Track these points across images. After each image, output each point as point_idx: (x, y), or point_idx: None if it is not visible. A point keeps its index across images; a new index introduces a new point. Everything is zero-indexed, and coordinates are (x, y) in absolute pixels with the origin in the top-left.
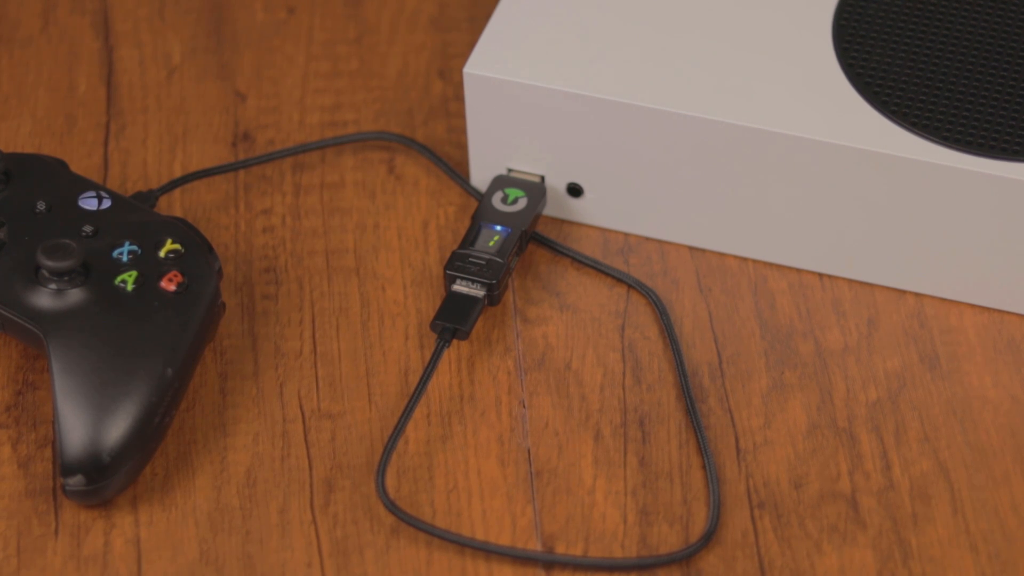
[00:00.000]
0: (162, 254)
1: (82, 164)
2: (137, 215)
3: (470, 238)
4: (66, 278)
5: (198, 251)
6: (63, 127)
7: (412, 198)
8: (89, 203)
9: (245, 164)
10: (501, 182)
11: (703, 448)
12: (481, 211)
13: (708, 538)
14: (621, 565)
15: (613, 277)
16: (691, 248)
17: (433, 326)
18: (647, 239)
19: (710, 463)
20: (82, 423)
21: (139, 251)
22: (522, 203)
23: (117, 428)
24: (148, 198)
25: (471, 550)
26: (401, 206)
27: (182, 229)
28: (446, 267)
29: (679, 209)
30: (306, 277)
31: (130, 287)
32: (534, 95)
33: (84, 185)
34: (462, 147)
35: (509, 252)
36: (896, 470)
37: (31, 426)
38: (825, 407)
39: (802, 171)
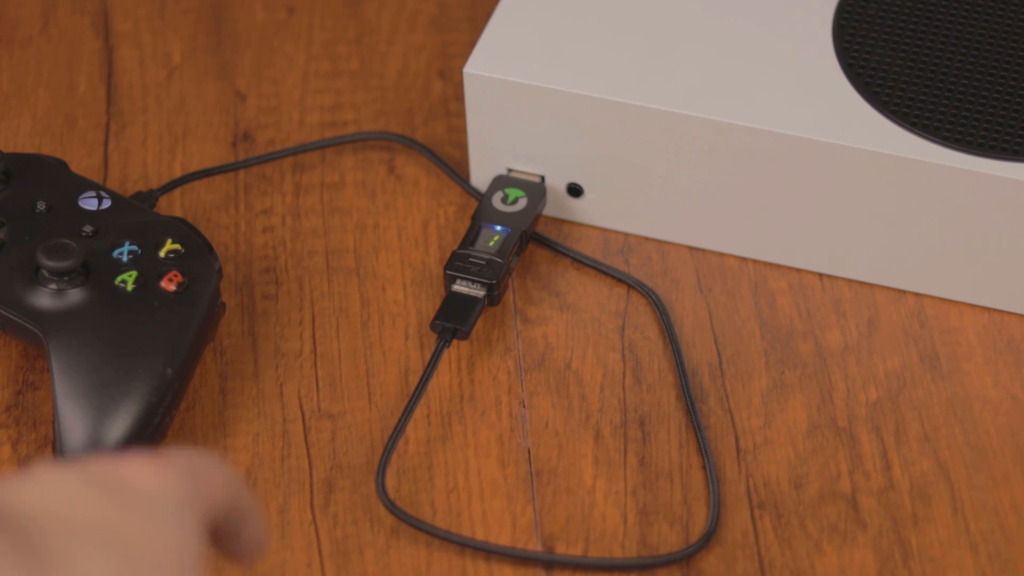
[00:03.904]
0: (162, 254)
1: (82, 164)
2: (137, 215)
3: (470, 238)
4: (66, 278)
5: (198, 251)
6: (63, 127)
7: (412, 198)
8: (89, 203)
9: (245, 164)
10: (501, 182)
11: (703, 448)
12: (481, 211)
13: (708, 538)
14: (621, 565)
15: (613, 277)
16: (691, 248)
17: (433, 326)
18: (647, 239)
19: (710, 463)
20: (82, 423)
21: (139, 251)
22: (522, 203)
23: (117, 428)
24: (148, 198)
25: (471, 550)
26: (401, 206)
27: (182, 229)
28: (446, 267)
29: (679, 209)
30: (306, 277)
31: (130, 287)
32: (534, 95)
33: (84, 185)
34: (462, 147)
35: (509, 252)
36: (896, 470)
37: (31, 426)
38: (825, 407)
39: (802, 171)
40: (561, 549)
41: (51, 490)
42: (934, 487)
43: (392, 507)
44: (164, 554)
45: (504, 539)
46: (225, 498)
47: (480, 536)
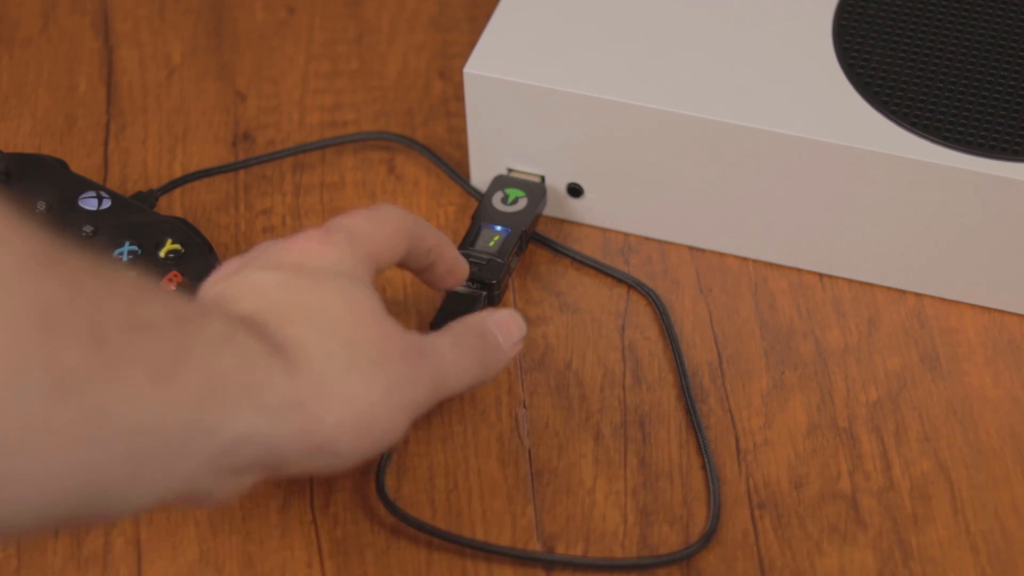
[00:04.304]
0: (162, 254)
1: (82, 164)
2: (137, 215)
3: (470, 238)
4: None
5: (198, 251)
6: (63, 127)
7: (412, 198)
8: (89, 203)
9: (245, 164)
10: (501, 182)
11: (703, 448)
12: (481, 211)
13: (708, 538)
14: (621, 565)
15: (613, 277)
16: (691, 248)
17: (433, 326)
18: (647, 239)
19: (710, 462)
20: None
21: (139, 251)
22: (522, 203)
23: None
24: (148, 198)
25: (471, 550)
26: (401, 206)
27: (182, 229)
28: None
29: (679, 209)
30: None
31: None
32: (534, 95)
33: (84, 185)
34: (462, 147)
35: (509, 252)
36: (896, 470)
37: None
38: (825, 407)
39: (802, 171)
40: (561, 549)
41: (256, 287)
42: (934, 487)
43: (392, 507)
44: (356, 314)
45: (504, 539)
46: (399, 242)
47: (480, 536)
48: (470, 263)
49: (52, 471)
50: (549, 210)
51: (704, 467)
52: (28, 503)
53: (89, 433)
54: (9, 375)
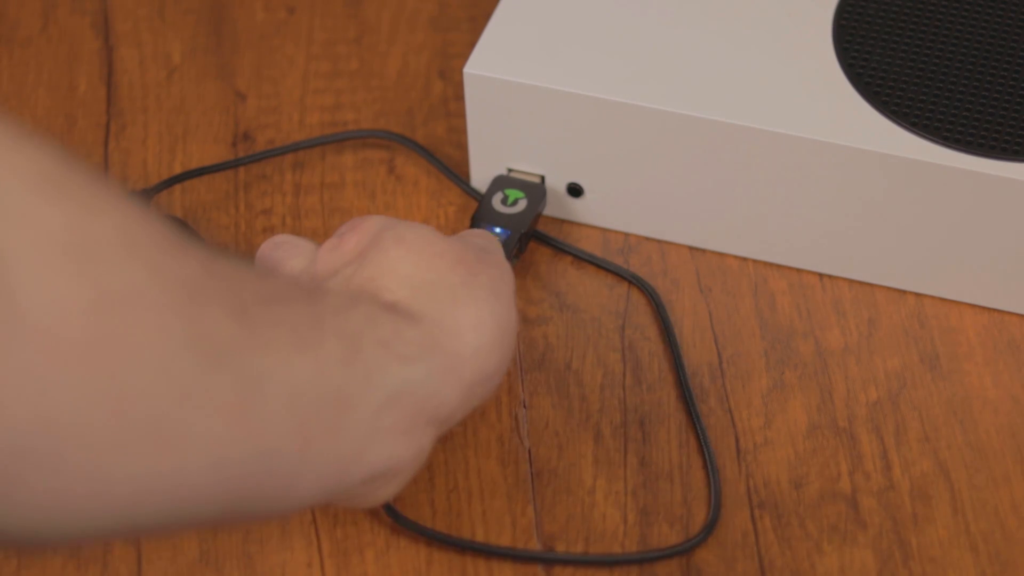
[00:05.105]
0: None
1: None
2: None
3: None
4: None
5: None
6: (63, 127)
7: (412, 198)
8: None
9: (242, 162)
10: (501, 183)
11: (701, 437)
12: (481, 213)
13: (711, 528)
14: (620, 560)
15: (612, 272)
16: (691, 248)
17: None
18: (647, 239)
19: (708, 451)
20: None
21: None
22: (522, 204)
23: None
24: (141, 198)
25: (471, 550)
26: (401, 206)
27: (177, 228)
28: None
29: (679, 209)
30: None
31: None
32: (534, 95)
33: None
34: (462, 147)
35: (509, 254)
36: (896, 470)
37: None
38: (825, 407)
39: (802, 171)
40: (561, 549)
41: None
42: (934, 487)
43: (391, 510)
44: (421, 254)
45: (504, 539)
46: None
47: (480, 536)
48: None
49: (218, 442)
50: (549, 210)
51: (704, 466)
52: (198, 478)
53: (247, 400)
54: (163, 341)
